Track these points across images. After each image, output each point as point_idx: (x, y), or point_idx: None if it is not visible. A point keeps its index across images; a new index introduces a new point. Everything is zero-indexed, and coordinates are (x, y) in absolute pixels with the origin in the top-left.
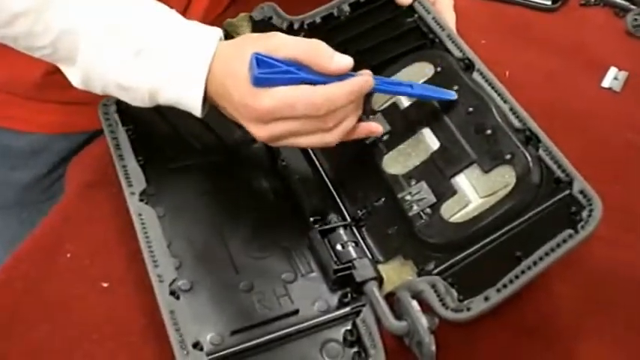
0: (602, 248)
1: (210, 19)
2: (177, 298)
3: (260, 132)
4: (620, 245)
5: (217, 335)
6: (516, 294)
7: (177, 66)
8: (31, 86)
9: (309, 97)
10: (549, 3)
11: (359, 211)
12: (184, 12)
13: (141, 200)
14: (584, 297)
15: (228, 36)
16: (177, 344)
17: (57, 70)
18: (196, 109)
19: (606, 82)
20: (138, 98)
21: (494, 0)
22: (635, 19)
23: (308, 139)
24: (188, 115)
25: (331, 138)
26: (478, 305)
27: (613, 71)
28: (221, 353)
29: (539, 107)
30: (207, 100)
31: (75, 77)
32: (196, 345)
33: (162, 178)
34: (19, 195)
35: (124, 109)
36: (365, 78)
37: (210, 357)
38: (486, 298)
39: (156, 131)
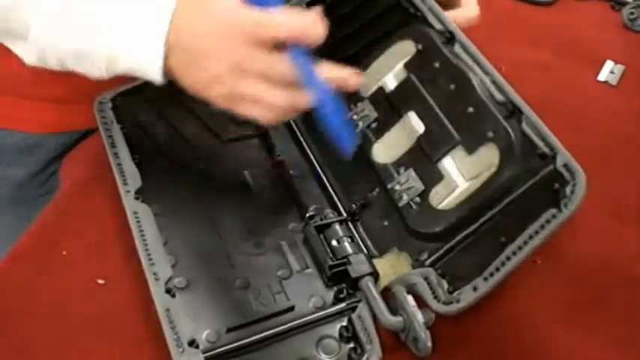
0: (597, 242)
1: None
2: (173, 296)
3: (222, 89)
4: (616, 240)
5: (213, 333)
6: (511, 288)
7: (134, 26)
8: (20, 84)
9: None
10: None
11: (354, 205)
12: None
13: (136, 198)
14: (577, 292)
15: None
16: (172, 342)
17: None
18: (155, 72)
19: (602, 76)
20: (95, 65)
21: None
22: (632, 13)
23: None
24: (184, 113)
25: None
26: (467, 296)
27: (609, 65)
28: (217, 351)
29: (536, 101)
30: (168, 69)
31: (30, 54)
32: (192, 343)
33: (158, 175)
34: (15, 191)
35: (119, 106)
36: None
37: (206, 355)
38: (475, 288)
39: (151, 129)
